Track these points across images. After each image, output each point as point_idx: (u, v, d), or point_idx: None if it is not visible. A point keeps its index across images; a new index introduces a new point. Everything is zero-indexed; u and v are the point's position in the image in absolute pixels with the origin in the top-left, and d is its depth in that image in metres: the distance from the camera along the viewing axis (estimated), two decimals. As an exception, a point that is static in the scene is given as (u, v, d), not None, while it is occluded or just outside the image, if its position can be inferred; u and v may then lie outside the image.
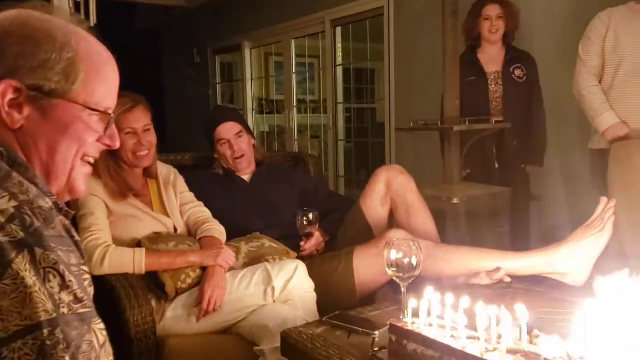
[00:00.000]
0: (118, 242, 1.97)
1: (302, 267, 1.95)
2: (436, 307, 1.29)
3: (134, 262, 1.89)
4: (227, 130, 2.43)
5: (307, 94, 6.33)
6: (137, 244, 2.00)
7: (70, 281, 0.76)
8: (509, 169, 3.13)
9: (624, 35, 2.62)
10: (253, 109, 6.57)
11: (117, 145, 0.97)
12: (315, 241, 2.28)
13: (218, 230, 2.15)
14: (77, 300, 0.76)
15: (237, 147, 2.43)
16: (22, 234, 0.73)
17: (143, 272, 1.90)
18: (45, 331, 0.71)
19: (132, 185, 2.08)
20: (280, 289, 1.90)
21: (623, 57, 2.67)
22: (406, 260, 1.55)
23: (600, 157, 2.82)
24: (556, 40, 3.34)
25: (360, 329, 1.52)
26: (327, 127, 5.54)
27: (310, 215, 2.25)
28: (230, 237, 2.21)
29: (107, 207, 2.00)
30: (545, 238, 2.54)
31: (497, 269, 1.88)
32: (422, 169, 3.49)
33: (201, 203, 2.26)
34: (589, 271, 1.85)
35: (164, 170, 2.26)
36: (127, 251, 1.90)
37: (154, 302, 1.91)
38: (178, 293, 1.94)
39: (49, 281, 0.73)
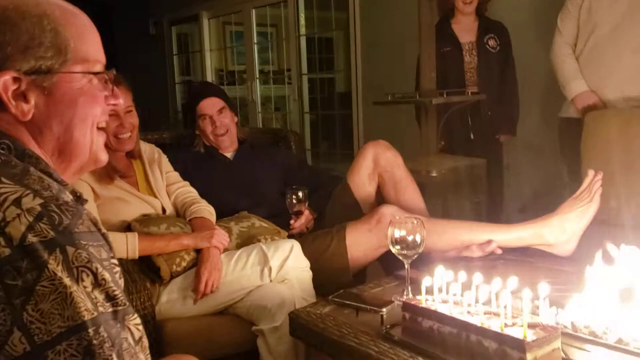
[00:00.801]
0: (106, 225, 1.92)
1: (297, 247, 1.96)
2: (453, 285, 1.31)
3: (127, 247, 1.85)
4: (210, 105, 2.40)
5: (269, 63, 6.25)
6: (127, 227, 1.97)
7: (103, 279, 0.74)
8: (483, 139, 3.18)
9: (598, 5, 2.68)
10: (212, 81, 6.45)
11: (120, 101, 0.95)
12: (304, 219, 2.29)
13: (208, 211, 2.12)
14: (109, 298, 0.75)
15: (219, 122, 2.40)
16: (52, 233, 0.71)
17: (137, 256, 1.87)
18: (91, 330, 0.70)
19: (116, 167, 2.03)
20: (277, 268, 1.90)
21: (594, 28, 2.73)
22: (410, 238, 1.58)
23: (570, 126, 2.90)
24: (527, 9, 3.38)
25: (367, 307, 1.55)
26: (291, 98, 5.50)
27: (300, 193, 2.25)
28: (217, 216, 2.19)
29: (93, 191, 1.95)
30: (526, 208, 2.61)
31: (489, 242, 1.93)
32: (391, 140, 3.51)
33: (187, 183, 2.23)
34: (577, 242, 1.92)
35: (147, 149, 2.21)
36: (119, 236, 1.87)
37: (148, 287, 1.88)
38: (173, 277, 1.92)
39: (82, 280, 0.72)
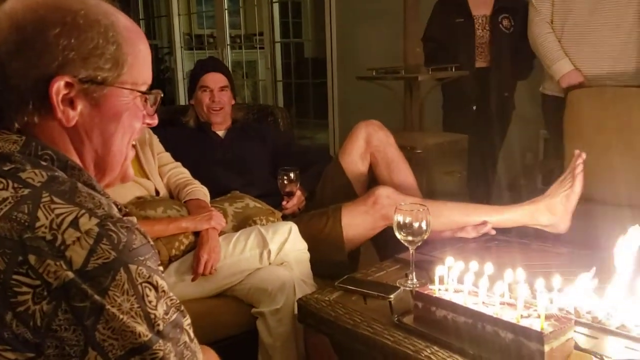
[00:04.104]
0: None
1: (295, 229, 1.96)
2: (469, 275, 1.34)
3: None
4: (214, 80, 2.42)
5: (238, 28, 6.14)
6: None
7: (163, 290, 0.77)
8: (494, 114, 3.19)
9: None
10: (182, 46, 6.31)
11: (156, 122, 0.94)
12: (296, 200, 2.29)
13: (202, 192, 2.11)
14: (169, 306, 0.77)
15: (218, 98, 2.42)
16: (114, 254, 0.72)
17: None
18: (160, 343, 0.73)
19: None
20: (276, 251, 1.91)
21: (571, 7, 2.76)
22: (416, 225, 1.60)
23: (552, 102, 2.96)
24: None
25: (375, 293, 1.57)
26: (263, 65, 5.42)
27: (292, 174, 2.25)
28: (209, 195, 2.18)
29: (86, 174, 1.91)
30: (511, 186, 2.66)
31: (484, 223, 1.97)
32: (367, 111, 3.50)
33: (179, 163, 2.21)
34: (569, 220, 1.98)
35: (139, 130, 2.17)
36: None
37: (146, 270, 1.87)
38: (171, 260, 1.91)
39: (147, 296, 0.74)
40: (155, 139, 2.21)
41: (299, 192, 2.30)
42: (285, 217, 2.20)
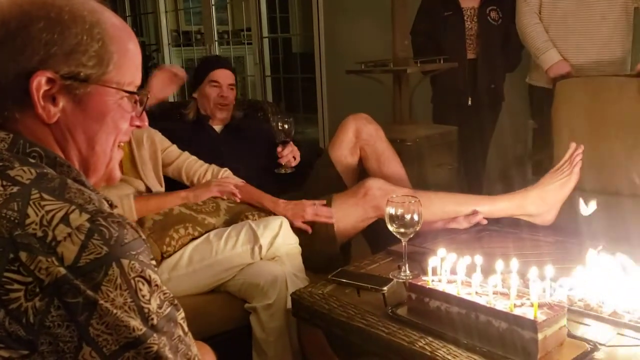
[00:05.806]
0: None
1: (286, 223, 1.96)
2: (460, 266, 1.35)
3: (124, 210, 1.87)
4: (225, 76, 2.45)
5: (226, 24, 6.11)
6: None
7: (156, 284, 0.76)
8: (482, 108, 3.20)
9: None
10: (169, 43, 6.27)
11: (146, 124, 0.93)
12: (291, 148, 2.35)
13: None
14: (163, 300, 0.77)
15: (227, 94, 2.45)
16: (106, 249, 0.71)
17: (135, 218, 1.89)
18: (155, 336, 0.73)
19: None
20: (267, 246, 1.91)
21: None
22: (408, 217, 1.60)
23: (539, 92, 2.97)
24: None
25: (368, 286, 1.57)
26: (251, 60, 5.40)
27: (286, 125, 2.30)
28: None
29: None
30: (502, 177, 2.67)
31: (475, 213, 1.98)
32: (356, 105, 3.49)
33: (187, 152, 2.26)
34: (557, 212, 1.99)
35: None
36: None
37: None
38: (163, 257, 1.90)
39: (140, 290, 0.74)
40: (158, 135, 2.22)
41: (291, 143, 2.35)
42: (280, 167, 2.34)
